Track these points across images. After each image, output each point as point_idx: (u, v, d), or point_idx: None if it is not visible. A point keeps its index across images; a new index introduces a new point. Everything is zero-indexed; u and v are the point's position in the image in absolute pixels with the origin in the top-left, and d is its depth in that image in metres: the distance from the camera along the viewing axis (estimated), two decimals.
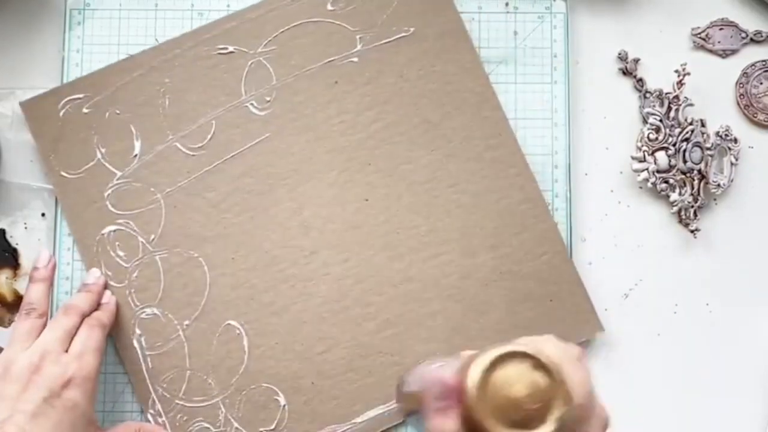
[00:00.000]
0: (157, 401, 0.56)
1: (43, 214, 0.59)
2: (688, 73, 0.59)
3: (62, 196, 0.57)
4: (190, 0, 0.60)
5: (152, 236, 0.57)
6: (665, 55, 0.60)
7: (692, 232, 0.59)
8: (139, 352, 0.57)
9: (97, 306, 0.55)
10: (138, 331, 0.57)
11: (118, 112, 0.58)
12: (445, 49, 0.59)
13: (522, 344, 0.36)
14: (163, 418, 0.56)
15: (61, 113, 0.58)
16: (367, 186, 0.58)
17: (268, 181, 0.58)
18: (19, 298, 0.58)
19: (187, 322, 0.57)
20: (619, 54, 0.61)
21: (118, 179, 0.58)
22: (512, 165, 0.58)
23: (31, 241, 0.59)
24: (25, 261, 0.58)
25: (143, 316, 0.57)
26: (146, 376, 0.56)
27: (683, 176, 0.59)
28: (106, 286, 0.56)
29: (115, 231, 0.57)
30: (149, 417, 0.56)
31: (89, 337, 0.52)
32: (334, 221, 0.57)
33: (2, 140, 0.59)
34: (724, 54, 0.61)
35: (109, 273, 0.57)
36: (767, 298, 0.59)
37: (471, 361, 0.36)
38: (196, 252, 0.57)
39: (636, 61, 0.60)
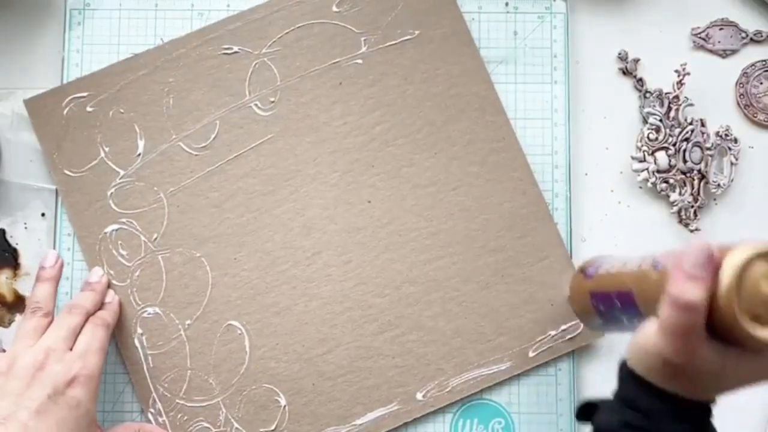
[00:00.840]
0: (157, 400, 0.56)
1: (43, 214, 0.59)
2: (688, 73, 0.59)
3: (65, 194, 0.58)
4: (190, 0, 0.60)
5: (155, 235, 0.57)
6: (665, 55, 0.60)
7: (692, 232, 0.59)
8: (140, 351, 0.57)
9: (101, 305, 0.55)
10: (139, 330, 0.57)
11: (122, 111, 0.58)
12: (449, 52, 0.59)
13: None
14: (164, 418, 0.56)
15: (65, 111, 0.58)
16: (370, 188, 0.58)
17: (271, 181, 0.58)
18: (19, 298, 0.58)
19: (188, 322, 0.57)
20: (619, 54, 0.61)
21: (121, 178, 0.58)
22: (515, 169, 0.58)
23: (31, 241, 0.59)
24: (25, 261, 0.58)
25: (145, 315, 0.57)
26: (147, 375, 0.56)
27: (683, 176, 0.59)
28: (109, 285, 0.57)
29: (117, 230, 0.57)
30: (149, 416, 0.56)
31: (94, 336, 0.52)
32: (336, 223, 0.57)
33: (2, 140, 0.59)
34: (724, 54, 0.61)
35: (111, 272, 0.57)
36: None
37: (728, 250, 0.37)
38: (198, 252, 0.57)
39: (636, 61, 0.60)
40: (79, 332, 0.52)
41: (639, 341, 0.41)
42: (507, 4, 0.60)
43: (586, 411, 0.45)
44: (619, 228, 0.59)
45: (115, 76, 0.58)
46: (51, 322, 0.52)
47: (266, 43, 0.59)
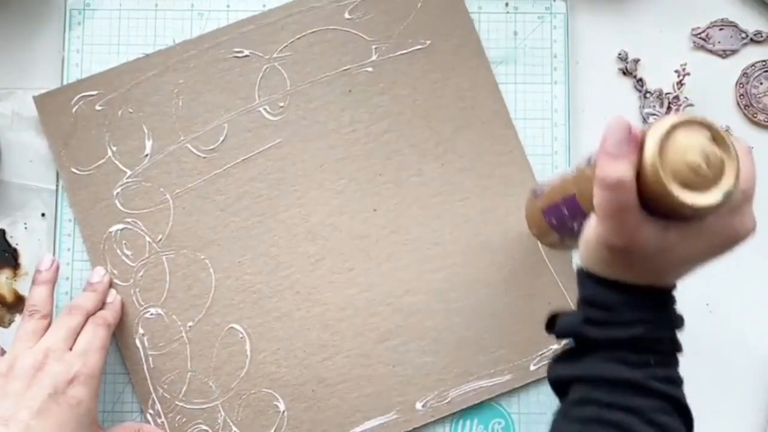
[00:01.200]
0: (156, 401, 0.56)
1: (43, 214, 0.59)
2: (688, 73, 0.59)
3: (71, 192, 0.57)
4: (190, 0, 0.60)
5: (159, 236, 0.57)
6: (665, 55, 0.60)
7: None
8: (141, 351, 0.57)
9: (102, 305, 0.55)
10: (141, 331, 0.57)
11: (131, 110, 0.58)
12: (460, 64, 0.59)
13: (701, 116, 0.37)
14: (162, 419, 0.56)
15: (74, 109, 0.58)
16: (376, 196, 0.58)
17: (277, 186, 0.58)
18: (18, 298, 0.58)
19: (190, 324, 0.57)
20: (619, 54, 0.60)
21: (127, 178, 0.58)
22: (522, 182, 0.58)
23: (31, 241, 0.59)
24: (25, 261, 0.58)
25: (147, 315, 0.57)
26: (147, 375, 0.57)
27: None
28: (110, 285, 0.57)
29: (122, 229, 0.57)
30: (148, 417, 0.56)
31: (94, 336, 0.52)
32: (341, 230, 0.57)
33: (2, 140, 0.59)
34: (724, 54, 0.61)
35: (115, 271, 0.57)
36: (767, 298, 0.59)
37: (649, 128, 0.37)
38: (202, 254, 0.57)
39: (636, 61, 0.60)
40: (80, 332, 0.52)
41: (585, 237, 0.41)
42: (507, 4, 0.60)
43: (554, 323, 0.45)
44: None
45: (125, 75, 0.58)
46: (50, 323, 0.52)
47: (278, 47, 0.59)
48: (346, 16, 0.59)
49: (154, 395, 0.56)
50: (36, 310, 0.52)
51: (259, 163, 0.58)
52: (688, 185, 0.36)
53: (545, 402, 0.57)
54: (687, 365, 0.59)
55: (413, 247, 0.57)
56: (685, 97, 0.59)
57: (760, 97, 0.60)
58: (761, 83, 0.60)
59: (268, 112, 0.58)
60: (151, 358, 0.57)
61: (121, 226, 0.57)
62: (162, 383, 0.56)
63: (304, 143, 0.58)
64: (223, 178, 0.58)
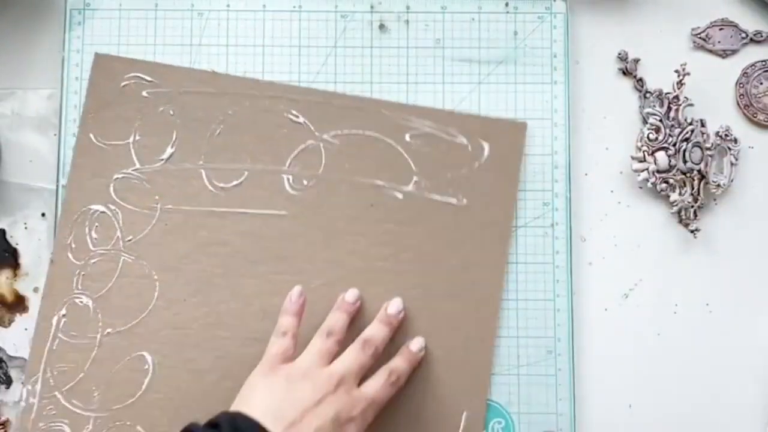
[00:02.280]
0: (39, 382, 0.56)
1: (43, 214, 0.59)
2: (688, 73, 0.59)
3: (78, 155, 0.57)
4: (190, 0, 0.60)
5: (130, 237, 0.57)
6: (665, 55, 0.60)
7: (692, 232, 0.59)
8: (52, 329, 0.56)
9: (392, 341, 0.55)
10: (63, 312, 0.56)
11: (171, 113, 0.58)
12: (483, 238, 0.57)
13: None
14: (34, 400, 0.56)
15: (123, 84, 0.58)
16: None
17: (260, 252, 0.57)
18: (19, 298, 0.58)
19: (109, 330, 0.56)
20: (619, 54, 0.61)
21: (133, 170, 0.58)
22: (476, 365, 0.57)
23: (31, 241, 0.59)
24: (25, 261, 0.58)
25: (77, 301, 0.57)
26: (45, 354, 0.56)
27: (683, 176, 0.59)
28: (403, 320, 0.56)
29: (102, 213, 0.57)
30: (25, 392, 0.56)
31: (382, 392, 0.52)
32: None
33: (2, 140, 0.59)
34: (724, 54, 0.61)
35: (73, 245, 0.57)
36: (767, 298, 0.59)
37: None
38: (157, 274, 0.57)
39: (636, 61, 0.60)
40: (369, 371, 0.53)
41: None
42: (507, 4, 0.60)
43: None
44: (619, 228, 0.59)
45: (184, 79, 0.58)
46: (341, 350, 0.53)
47: (331, 131, 0.58)
48: (407, 138, 0.58)
49: (40, 375, 0.56)
50: (333, 332, 0.53)
51: (256, 223, 0.57)
52: None
53: (545, 402, 0.57)
54: (687, 365, 0.60)
55: None
56: (685, 97, 0.59)
57: (760, 97, 0.60)
58: (761, 83, 0.60)
59: (289, 183, 0.58)
60: (57, 341, 0.56)
61: (102, 208, 0.57)
62: (54, 368, 0.56)
63: (305, 229, 0.57)
64: (216, 218, 0.57)
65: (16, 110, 0.59)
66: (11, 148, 0.59)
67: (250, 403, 0.49)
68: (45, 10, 0.60)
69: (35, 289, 0.58)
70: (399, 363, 0.54)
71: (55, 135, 0.59)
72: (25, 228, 0.59)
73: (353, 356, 0.52)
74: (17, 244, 0.59)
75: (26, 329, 0.58)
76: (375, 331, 0.54)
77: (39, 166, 0.59)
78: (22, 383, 0.56)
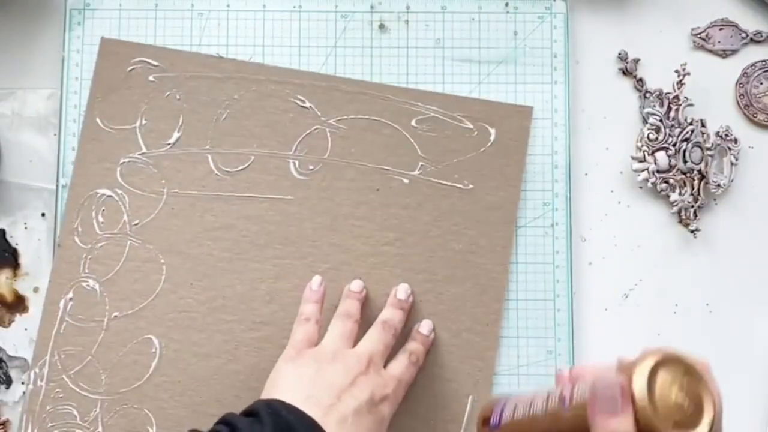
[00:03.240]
0: (47, 365, 0.56)
1: (43, 214, 0.59)
2: (688, 73, 0.59)
3: (84, 139, 0.58)
4: (190, 0, 0.60)
5: (137, 221, 0.57)
6: (665, 55, 0.60)
7: (692, 232, 0.59)
8: (60, 312, 0.56)
9: (413, 332, 0.56)
10: (70, 295, 0.57)
11: (178, 97, 0.58)
12: (488, 222, 0.58)
13: (670, 350, 0.38)
14: (42, 383, 0.56)
15: (130, 68, 0.58)
16: None
17: (266, 236, 0.57)
18: (18, 298, 0.58)
19: (116, 314, 0.57)
20: (619, 54, 0.61)
21: (140, 154, 0.58)
22: (483, 350, 0.57)
23: (31, 241, 0.59)
24: (25, 261, 0.58)
25: (84, 284, 0.57)
26: (52, 337, 0.56)
27: (683, 176, 0.59)
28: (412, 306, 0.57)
29: (108, 196, 0.58)
30: (32, 375, 0.56)
31: (407, 372, 0.53)
32: (295, 310, 0.56)
33: (2, 140, 0.59)
34: (724, 54, 0.61)
35: (80, 229, 0.57)
36: (767, 298, 0.59)
37: (630, 369, 0.37)
38: (164, 258, 0.57)
39: (636, 61, 0.60)
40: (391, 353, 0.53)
41: None
42: (507, 4, 0.60)
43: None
44: (619, 228, 0.59)
45: (190, 63, 0.58)
46: (360, 334, 0.53)
47: (337, 115, 0.58)
48: (413, 123, 0.58)
49: (48, 358, 0.56)
50: (350, 314, 0.54)
51: (262, 207, 0.58)
52: (678, 424, 0.37)
53: None
54: None
55: None
56: (685, 97, 0.59)
57: (760, 97, 0.60)
58: (761, 83, 0.60)
59: (295, 168, 0.58)
60: (64, 324, 0.56)
61: (109, 192, 0.58)
62: (61, 351, 0.56)
63: (310, 213, 0.58)
64: (222, 202, 0.58)
65: (16, 110, 0.59)
66: (11, 148, 0.59)
67: (282, 389, 0.49)
68: (45, 10, 0.60)
69: (35, 289, 0.58)
70: (414, 345, 0.55)
71: (55, 135, 0.59)
72: (25, 228, 0.59)
73: (377, 336, 0.53)
74: (17, 244, 0.59)
75: (26, 329, 0.58)
76: (390, 314, 0.55)
77: (39, 166, 0.59)
78: (29, 366, 0.56)
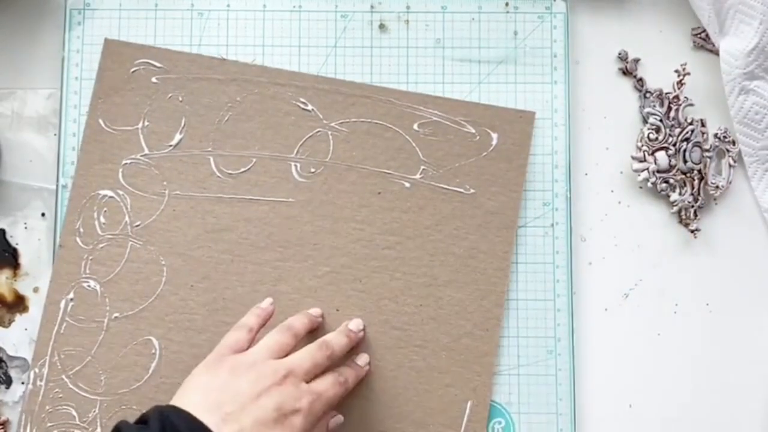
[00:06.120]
0: (47, 365, 0.56)
1: (43, 214, 0.59)
2: (688, 73, 0.59)
3: (86, 141, 0.58)
4: (190, 0, 0.60)
5: (138, 222, 0.57)
6: (665, 55, 0.60)
7: (692, 232, 0.59)
8: (60, 313, 0.56)
9: (350, 361, 0.55)
10: (71, 296, 0.57)
11: (180, 99, 0.58)
12: (489, 226, 0.58)
13: None
14: (42, 383, 0.56)
15: (133, 69, 0.58)
16: (345, 299, 0.57)
17: (267, 239, 0.57)
18: (19, 298, 0.58)
19: (116, 315, 0.57)
20: (619, 54, 0.61)
21: (142, 155, 0.58)
22: (482, 355, 0.57)
23: (31, 241, 0.59)
24: (25, 261, 0.58)
25: (84, 285, 0.57)
26: (53, 338, 0.56)
27: (683, 176, 0.59)
28: (362, 339, 0.56)
29: (110, 197, 0.58)
30: (32, 375, 0.56)
31: (332, 387, 0.51)
32: (297, 312, 0.56)
33: (2, 140, 0.59)
34: None
35: (81, 230, 0.57)
36: (767, 298, 0.59)
37: None
38: (164, 260, 0.57)
39: (636, 61, 0.60)
40: (320, 373, 0.52)
41: None
42: (507, 4, 0.60)
43: None
44: (619, 228, 0.59)
45: (193, 65, 0.58)
46: (295, 348, 0.52)
47: (339, 119, 0.58)
48: (415, 127, 0.58)
49: (48, 358, 0.56)
50: (292, 327, 0.53)
51: (263, 209, 0.58)
52: None
53: (545, 402, 0.57)
54: (687, 365, 0.60)
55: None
56: (685, 97, 0.59)
57: None
58: None
59: (297, 171, 0.58)
60: (65, 324, 0.56)
61: (111, 193, 0.58)
62: (61, 352, 0.56)
63: (311, 216, 0.58)
64: (224, 204, 0.58)
65: (16, 110, 0.59)
66: (11, 148, 0.59)
67: (188, 394, 0.48)
68: (45, 10, 0.60)
69: (35, 289, 0.58)
70: (347, 370, 0.54)
71: (55, 135, 0.59)
72: (25, 228, 0.59)
73: (308, 353, 0.51)
74: (17, 244, 0.59)
75: (26, 329, 0.58)
76: (334, 337, 0.54)
77: (39, 166, 0.59)
78: (30, 365, 0.56)
